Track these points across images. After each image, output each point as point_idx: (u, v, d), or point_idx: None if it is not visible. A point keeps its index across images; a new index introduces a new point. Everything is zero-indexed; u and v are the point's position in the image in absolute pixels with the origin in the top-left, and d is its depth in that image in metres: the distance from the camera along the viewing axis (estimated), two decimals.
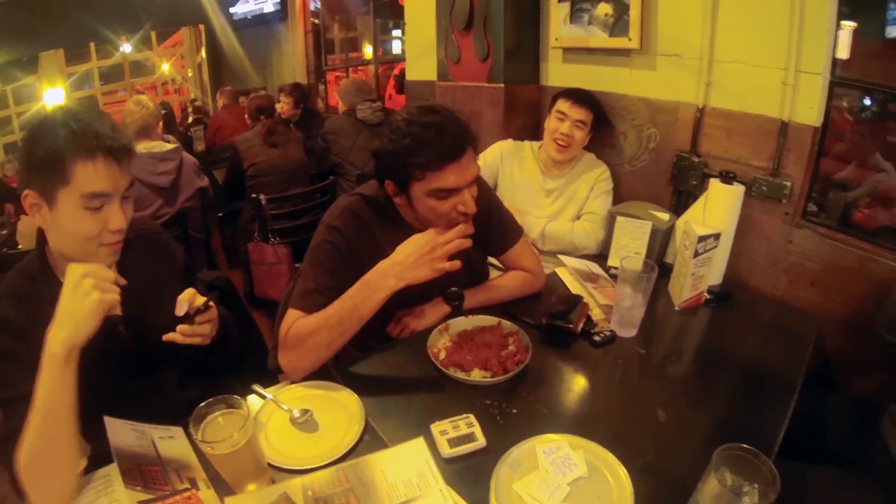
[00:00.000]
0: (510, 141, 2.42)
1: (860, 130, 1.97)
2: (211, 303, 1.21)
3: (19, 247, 2.91)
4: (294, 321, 1.37)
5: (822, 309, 1.82)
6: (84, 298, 1.02)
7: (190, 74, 10.83)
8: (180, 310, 1.17)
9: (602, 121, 2.33)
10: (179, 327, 1.16)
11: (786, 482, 1.36)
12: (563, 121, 2.19)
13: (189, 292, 1.19)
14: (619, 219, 2.01)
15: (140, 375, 1.34)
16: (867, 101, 1.93)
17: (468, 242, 1.34)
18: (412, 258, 1.30)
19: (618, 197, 2.33)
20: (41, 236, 1.21)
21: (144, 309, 1.28)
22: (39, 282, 1.19)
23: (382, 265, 1.32)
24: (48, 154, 1.06)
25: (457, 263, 1.34)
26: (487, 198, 1.64)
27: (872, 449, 1.45)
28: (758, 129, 1.90)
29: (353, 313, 1.31)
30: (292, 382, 1.36)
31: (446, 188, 1.34)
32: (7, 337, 1.13)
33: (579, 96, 2.21)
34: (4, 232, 3.65)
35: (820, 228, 1.83)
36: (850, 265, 1.75)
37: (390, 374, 1.42)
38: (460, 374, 1.35)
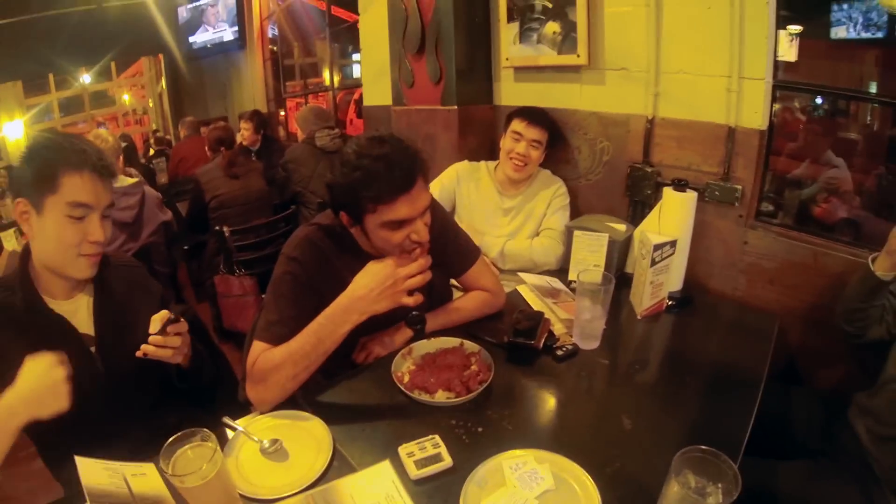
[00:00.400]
0: (466, 162, 2.43)
1: (811, 129, 2.04)
2: (181, 318, 1.26)
3: None
4: (260, 354, 1.36)
5: (781, 306, 1.87)
6: (55, 389, 1.08)
7: (151, 104, 10.71)
8: (154, 328, 1.22)
9: (557, 137, 2.36)
10: (151, 338, 1.21)
11: (758, 480, 1.39)
12: (519, 141, 2.21)
13: (163, 313, 1.25)
14: (577, 233, 2.02)
15: (110, 401, 1.34)
16: (817, 100, 2.01)
17: (428, 276, 1.35)
18: (374, 292, 1.31)
19: (575, 211, 2.36)
20: (25, 252, 1.29)
21: (119, 333, 1.35)
22: (18, 293, 1.26)
23: (344, 299, 1.33)
24: (41, 165, 1.19)
25: (419, 298, 1.36)
26: (443, 221, 1.65)
27: (842, 438, 1.48)
28: (707, 136, 1.95)
29: (317, 347, 1.32)
30: (261, 413, 1.35)
31: (398, 220, 1.35)
32: None
33: (534, 116, 2.23)
34: None
35: (774, 227, 1.89)
36: (804, 261, 1.81)
37: (356, 400, 1.42)
38: (425, 397, 1.36)
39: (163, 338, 1.21)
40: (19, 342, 1.21)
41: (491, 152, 2.44)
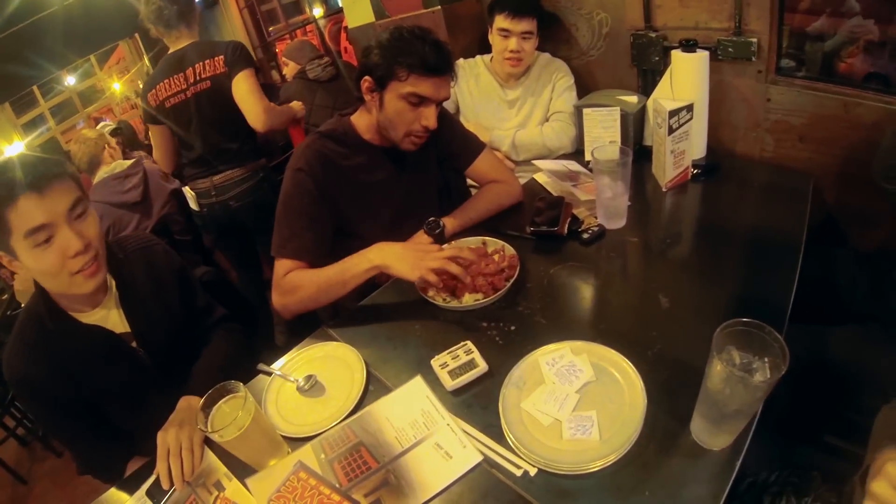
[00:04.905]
0: (461, 60, 2.28)
1: None
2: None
3: (22, 306, 2.81)
4: (287, 270, 1.44)
5: (815, 164, 1.74)
6: None
7: (141, 85, 10.52)
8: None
9: (547, 18, 2.19)
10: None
11: (806, 347, 1.32)
12: (509, 37, 2.04)
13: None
14: (586, 111, 1.93)
15: (162, 384, 1.33)
16: None
17: (458, 269, 1.30)
18: (404, 250, 1.34)
19: (583, 90, 2.22)
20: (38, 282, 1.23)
21: (151, 321, 1.33)
22: (48, 322, 1.21)
23: (377, 244, 1.37)
24: None
25: (440, 282, 1.35)
26: (446, 115, 1.68)
27: (891, 300, 1.39)
28: None
29: (341, 275, 1.36)
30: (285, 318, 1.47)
31: (421, 95, 1.41)
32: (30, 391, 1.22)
33: (516, 7, 2.02)
34: (5, 296, 3.61)
35: (798, 81, 1.74)
36: (835, 113, 1.66)
37: (384, 319, 1.38)
38: (452, 303, 1.33)
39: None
40: (71, 363, 1.22)
41: (484, 47, 2.27)
